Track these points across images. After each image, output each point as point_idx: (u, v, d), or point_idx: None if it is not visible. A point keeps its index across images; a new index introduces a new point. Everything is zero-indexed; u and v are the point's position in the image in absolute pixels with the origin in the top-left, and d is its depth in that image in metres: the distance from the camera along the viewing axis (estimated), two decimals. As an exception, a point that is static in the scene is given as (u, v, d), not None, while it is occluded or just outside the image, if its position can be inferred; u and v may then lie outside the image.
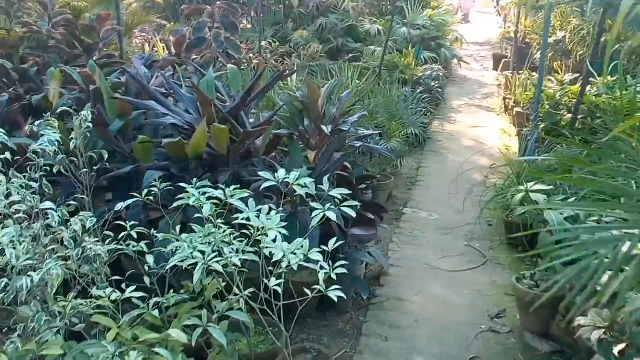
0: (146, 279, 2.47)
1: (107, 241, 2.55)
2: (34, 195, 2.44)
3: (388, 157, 4.82)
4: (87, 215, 2.53)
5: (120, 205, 2.54)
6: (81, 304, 2.25)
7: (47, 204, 2.22)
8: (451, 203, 4.74)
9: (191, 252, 2.13)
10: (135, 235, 2.50)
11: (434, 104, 7.45)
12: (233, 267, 2.18)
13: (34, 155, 2.45)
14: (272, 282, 2.13)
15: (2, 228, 2.28)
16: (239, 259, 2.12)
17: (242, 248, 2.19)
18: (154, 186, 2.77)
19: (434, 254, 3.94)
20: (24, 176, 2.51)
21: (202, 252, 2.16)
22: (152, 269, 2.44)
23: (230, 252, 2.15)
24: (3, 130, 2.17)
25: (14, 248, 2.14)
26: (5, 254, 2.13)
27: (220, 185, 3.04)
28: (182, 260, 2.16)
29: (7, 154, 2.38)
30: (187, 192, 2.38)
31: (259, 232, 2.22)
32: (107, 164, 3.08)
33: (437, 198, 4.95)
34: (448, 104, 8.17)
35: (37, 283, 2.10)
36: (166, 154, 3.33)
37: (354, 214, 2.33)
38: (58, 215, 2.44)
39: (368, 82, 6.27)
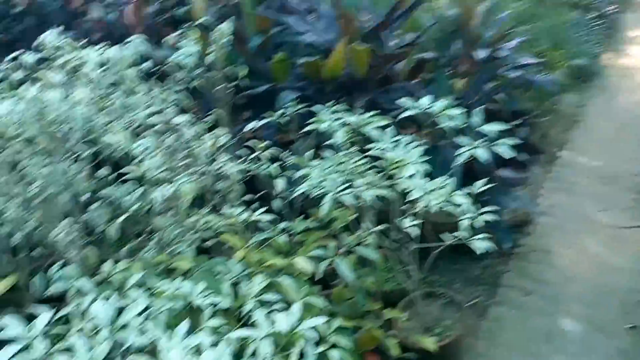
0: (274, 203, 2.40)
1: (240, 160, 2.50)
2: (172, 108, 2.43)
3: (547, 92, 4.25)
4: (222, 132, 2.48)
5: (252, 125, 2.45)
6: (212, 221, 2.25)
7: (180, 118, 2.17)
8: (618, 149, 4.10)
9: (320, 182, 1.98)
10: (268, 156, 2.44)
11: (608, 33, 6.45)
12: (364, 202, 2.01)
13: (173, 68, 2.42)
14: (407, 222, 1.92)
15: (141, 139, 2.31)
16: (371, 195, 1.93)
17: (375, 183, 1.99)
18: (289, 107, 2.66)
19: (592, 206, 3.44)
20: (164, 88, 2.50)
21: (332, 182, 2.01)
22: (281, 194, 2.36)
23: (362, 185, 1.96)
24: (144, 40, 2.13)
25: (151, 159, 2.14)
26: (141, 165, 2.15)
27: (356, 110, 2.85)
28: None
29: (149, 63, 2.36)
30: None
31: (395, 166, 2.00)
32: (245, 80, 3.02)
33: (601, 142, 4.32)
34: (625, 34, 7.05)
35: (170, 196, 2.09)
36: (303, 75, 3.18)
37: (511, 155, 2.01)
38: (194, 130, 2.42)
39: (530, 4, 5.55)
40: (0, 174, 1.89)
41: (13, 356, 1.13)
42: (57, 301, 2.31)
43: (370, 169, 2.09)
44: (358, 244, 2.12)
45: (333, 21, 3.29)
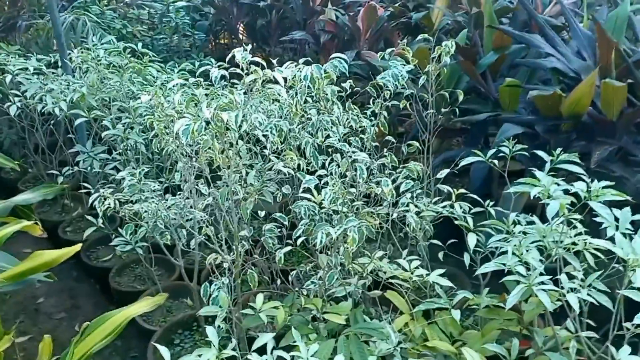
0: (466, 258, 2.03)
1: (434, 200, 2.18)
2: (369, 131, 2.20)
3: None
4: (417, 166, 2.18)
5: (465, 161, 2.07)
6: (383, 268, 1.98)
7: (362, 155, 1.92)
8: None
9: (515, 263, 1.55)
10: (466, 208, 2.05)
11: None
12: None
13: (372, 90, 2.18)
14: None
15: (329, 163, 2.14)
16: (579, 300, 1.44)
17: (592, 283, 1.48)
18: (506, 145, 2.20)
19: None
20: (368, 110, 2.29)
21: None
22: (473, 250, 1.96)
23: (570, 282, 1.48)
24: (344, 60, 1.92)
25: (331, 189, 1.94)
26: (320, 194, 1.97)
27: (592, 163, 2.27)
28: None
29: (348, 83, 2.17)
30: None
31: (633, 265, 1.46)
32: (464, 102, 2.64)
33: None
34: None
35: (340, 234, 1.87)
36: (534, 106, 2.66)
37: None
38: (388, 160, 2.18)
39: None
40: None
41: None
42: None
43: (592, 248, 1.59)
44: (551, 350, 1.64)
45: (589, 45, 2.68)
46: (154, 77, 2.94)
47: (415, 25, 3.66)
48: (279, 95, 1.79)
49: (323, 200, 1.89)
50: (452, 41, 2.41)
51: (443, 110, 2.50)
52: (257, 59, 1.72)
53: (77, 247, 2.02)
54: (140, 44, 2.90)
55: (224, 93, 1.64)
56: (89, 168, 2.85)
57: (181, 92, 1.72)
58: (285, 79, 1.73)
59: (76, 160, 2.92)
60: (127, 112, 2.63)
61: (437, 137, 2.56)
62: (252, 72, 1.68)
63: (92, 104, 2.73)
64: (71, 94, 2.72)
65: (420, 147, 2.44)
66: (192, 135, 1.59)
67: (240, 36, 5.13)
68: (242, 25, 4.63)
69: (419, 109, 2.48)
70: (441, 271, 1.86)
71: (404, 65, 2.27)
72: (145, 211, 1.94)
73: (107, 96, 2.73)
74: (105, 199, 1.88)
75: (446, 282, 1.83)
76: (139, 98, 2.65)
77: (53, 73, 3.08)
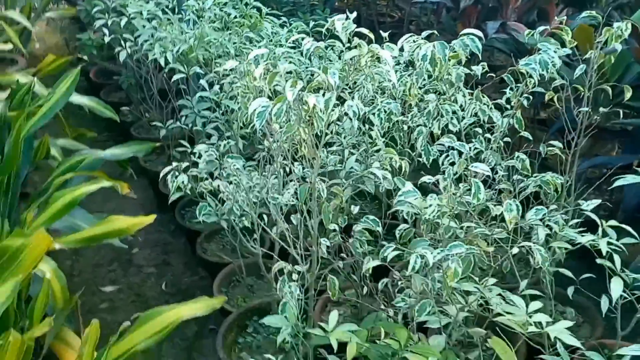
0: (603, 304, 1.61)
1: (572, 219, 1.73)
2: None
3: None
4: (553, 178, 1.71)
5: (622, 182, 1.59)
6: (492, 303, 1.59)
7: (480, 167, 1.51)
8: None
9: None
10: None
11: None
12: None
13: (510, 79, 1.73)
14: None
15: (443, 160, 1.75)
16: None
17: None
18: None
19: None
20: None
21: None
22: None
23: None
24: (477, 38, 1.50)
25: (438, 202, 1.56)
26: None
27: None
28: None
29: (479, 67, 1.74)
30: None
31: None
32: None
33: None
34: None
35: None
36: None
37: None
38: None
39: None
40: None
41: None
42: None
43: None
44: None
45: None
46: (268, 34, 2.71)
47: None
48: (388, 76, 1.43)
49: (426, 208, 1.54)
50: (626, 22, 1.87)
51: (601, 109, 1.97)
52: (363, 30, 1.37)
53: (151, 218, 1.87)
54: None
55: (316, 71, 1.32)
56: (190, 125, 2.70)
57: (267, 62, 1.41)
58: (395, 58, 1.37)
59: (180, 115, 2.79)
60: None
61: (590, 137, 2.05)
62: (354, 47, 1.34)
63: (200, 56, 2.56)
64: (179, 45, 2.57)
65: (564, 150, 1.96)
66: (273, 119, 1.30)
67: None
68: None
69: (570, 104, 1.98)
70: (569, 324, 1.44)
71: (558, 48, 1.79)
72: (223, 192, 1.71)
73: (212, 53, 2.54)
74: (177, 175, 1.67)
75: (573, 341, 1.41)
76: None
77: (168, 19, 2.93)
